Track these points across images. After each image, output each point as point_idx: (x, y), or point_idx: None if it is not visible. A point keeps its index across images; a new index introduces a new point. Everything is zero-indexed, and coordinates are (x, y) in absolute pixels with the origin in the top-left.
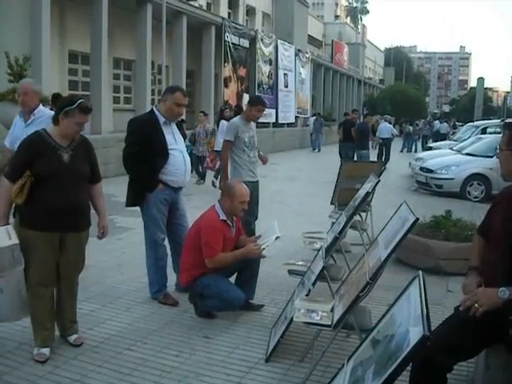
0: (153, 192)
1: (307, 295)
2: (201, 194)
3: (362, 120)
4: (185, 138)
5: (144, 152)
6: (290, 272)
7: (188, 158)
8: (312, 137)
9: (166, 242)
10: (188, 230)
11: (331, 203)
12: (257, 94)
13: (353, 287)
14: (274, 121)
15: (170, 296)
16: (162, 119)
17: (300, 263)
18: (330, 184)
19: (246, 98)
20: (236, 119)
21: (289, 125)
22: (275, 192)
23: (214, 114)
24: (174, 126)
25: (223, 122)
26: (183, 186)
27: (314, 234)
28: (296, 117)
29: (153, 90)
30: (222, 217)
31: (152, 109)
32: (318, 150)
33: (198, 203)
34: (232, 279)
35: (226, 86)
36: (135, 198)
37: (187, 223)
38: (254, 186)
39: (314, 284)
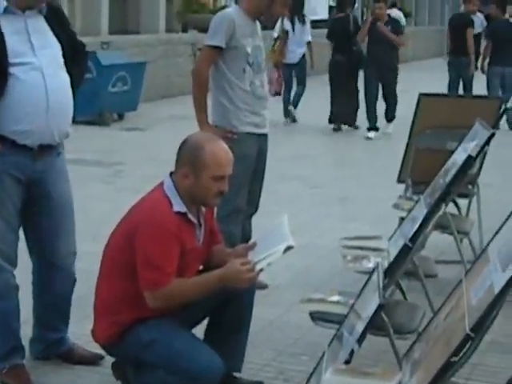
0: None
1: (348, 362)
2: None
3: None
4: (68, 40)
5: None
6: (315, 317)
7: (63, 82)
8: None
9: (23, 263)
10: (111, 234)
11: (399, 180)
12: None
13: (438, 346)
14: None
15: (23, 371)
16: (1, 3)
17: (334, 299)
18: (398, 143)
19: None
20: (231, 11)
21: (317, 24)
22: (290, 158)
23: None
24: (36, 17)
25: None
26: (54, 144)
27: (364, 240)
28: (331, 8)
29: None
30: (178, 207)
31: None
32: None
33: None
34: (199, 332)
35: None
36: None
37: (70, 226)
38: (259, 145)
39: (360, 340)
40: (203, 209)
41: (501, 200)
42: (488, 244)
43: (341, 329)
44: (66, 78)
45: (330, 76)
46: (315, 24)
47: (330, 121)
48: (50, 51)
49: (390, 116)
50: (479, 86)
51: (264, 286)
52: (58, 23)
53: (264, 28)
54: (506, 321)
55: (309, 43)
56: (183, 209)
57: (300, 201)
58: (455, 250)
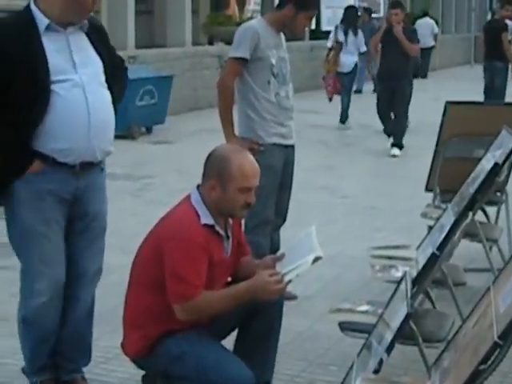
0: (22, 177)
1: (377, 372)
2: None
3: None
4: (111, 58)
5: (2, 92)
6: (344, 327)
7: (105, 99)
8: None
9: None
10: (139, 247)
11: (427, 189)
12: None
13: (466, 354)
14: (311, 27)
15: None
16: (43, 21)
17: (363, 309)
18: (427, 152)
19: None
20: (255, 22)
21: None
22: (317, 168)
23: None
24: (78, 34)
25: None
26: (95, 162)
27: (392, 250)
28: (358, 17)
29: None
30: (206, 219)
31: (28, 4)
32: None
33: None
34: (229, 344)
35: None
36: None
37: (101, 245)
38: (286, 156)
39: (389, 349)
40: (231, 221)
41: None
42: None
43: (370, 338)
44: (108, 96)
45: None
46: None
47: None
48: (91, 69)
49: (395, 139)
50: None
51: (293, 297)
52: (99, 40)
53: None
54: None
55: (363, 53)
56: (211, 221)
57: (328, 211)
58: (485, 258)
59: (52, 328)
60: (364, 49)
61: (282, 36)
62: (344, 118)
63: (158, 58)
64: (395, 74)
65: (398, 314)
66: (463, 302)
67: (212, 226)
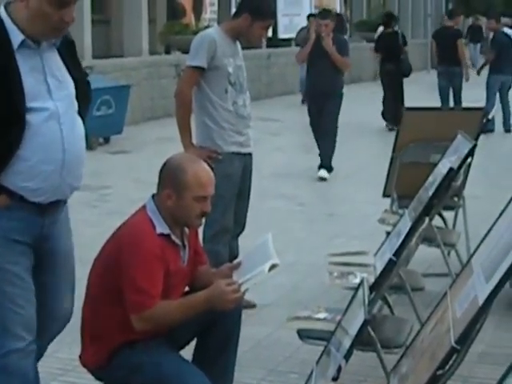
0: None
1: (336, 379)
2: None
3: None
4: (79, 78)
5: None
6: (302, 335)
7: (79, 131)
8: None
9: None
10: (96, 258)
11: (384, 194)
12: None
13: (424, 359)
14: (269, 35)
15: None
16: (17, 36)
17: (321, 316)
18: (384, 157)
19: None
20: (212, 31)
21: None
22: (275, 176)
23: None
24: (51, 51)
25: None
26: (62, 200)
27: (350, 256)
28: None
29: None
30: (161, 229)
31: None
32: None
33: None
34: (187, 354)
35: None
36: None
37: (72, 279)
38: (244, 164)
39: (348, 356)
40: (187, 230)
41: (488, 211)
42: (471, 256)
43: (328, 345)
44: (81, 126)
45: (383, 82)
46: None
47: (384, 119)
48: (65, 92)
49: (323, 161)
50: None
51: (252, 306)
52: (70, 55)
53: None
54: (497, 331)
55: None
56: (166, 230)
57: (286, 218)
58: (443, 263)
59: (35, 377)
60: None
61: (239, 44)
62: None
63: (115, 67)
64: (323, 91)
65: (355, 321)
66: (422, 307)
67: (168, 236)
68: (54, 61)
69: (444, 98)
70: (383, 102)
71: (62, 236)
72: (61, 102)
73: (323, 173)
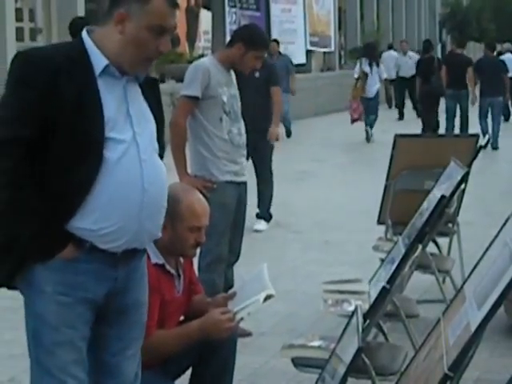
0: (48, 263)
1: None
2: None
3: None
4: (159, 120)
5: (42, 146)
6: (297, 363)
7: (161, 171)
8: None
9: None
10: None
11: (378, 222)
12: (228, 9)
13: None
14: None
15: None
16: (101, 61)
17: (316, 344)
18: (379, 185)
19: (204, 18)
20: (206, 60)
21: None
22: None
23: None
24: (134, 85)
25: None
26: (139, 249)
27: (344, 284)
28: (308, 52)
29: (18, 10)
30: (156, 259)
31: (80, 35)
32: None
33: None
34: (183, 383)
35: None
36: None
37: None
38: (239, 193)
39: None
40: (182, 259)
41: (483, 237)
42: (464, 282)
43: (323, 373)
44: (163, 167)
45: (422, 102)
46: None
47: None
48: (146, 129)
49: (261, 209)
50: None
51: (248, 334)
52: (153, 96)
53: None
54: (492, 358)
55: (384, 80)
56: (161, 260)
57: (281, 246)
58: (438, 289)
59: None
60: (385, 76)
61: (233, 74)
62: (369, 136)
63: None
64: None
65: (349, 348)
66: (417, 334)
67: (162, 266)
68: (137, 95)
69: (450, 117)
70: (422, 118)
71: (137, 289)
72: (143, 137)
73: (260, 225)
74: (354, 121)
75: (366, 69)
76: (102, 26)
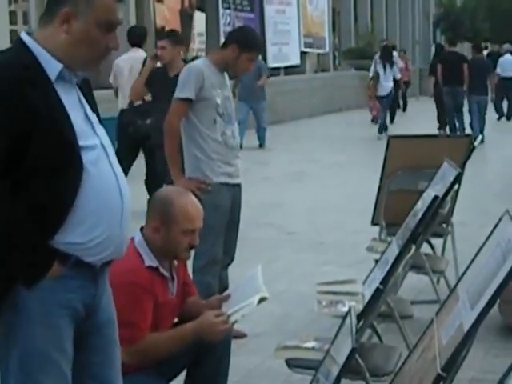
0: (36, 285)
1: None
2: None
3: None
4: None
5: (16, 161)
6: (292, 364)
7: (122, 171)
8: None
9: None
10: None
11: (373, 223)
12: (222, 11)
13: None
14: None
15: None
16: (54, 65)
17: (310, 345)
18: (374, 185)
19: (199, 20)
20: (200, 62)
21: (288, 70)
22: (264, 205)
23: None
24: (76, 87)
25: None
26: (117, 259)
27: (338, 285)
28: (303, 53)
29: (12, 13)
30: (149, 262)
31: (21, 39)
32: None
33: None
34: None
35: None
36: None
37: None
38: (233, 195)
39: None
40: (175, 261)
41: (477, 237)
42: (457, 282)
43: (317, 374)
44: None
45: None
46: (287, 70)
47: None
48: (104, 132)
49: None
50: None
51: (242, 335)
52: (89, 94)
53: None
54: (487, 358)
55: (398, 80)
56: (155, 263)
57: (275, 248)
58: (432, 290)
59: None
60: (399, 76)
61: (226, 76)
62: (382, 130)
63: (104, 99)
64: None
65: (343, 349)
66: (411, 335)
67: (156, 268)
68: (82, 97)
69: (451, 114)
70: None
71: (110, 304)
72: (105, 140)
73: None
74: (374, 118)
75: (379, 69)
76: (42, 27)
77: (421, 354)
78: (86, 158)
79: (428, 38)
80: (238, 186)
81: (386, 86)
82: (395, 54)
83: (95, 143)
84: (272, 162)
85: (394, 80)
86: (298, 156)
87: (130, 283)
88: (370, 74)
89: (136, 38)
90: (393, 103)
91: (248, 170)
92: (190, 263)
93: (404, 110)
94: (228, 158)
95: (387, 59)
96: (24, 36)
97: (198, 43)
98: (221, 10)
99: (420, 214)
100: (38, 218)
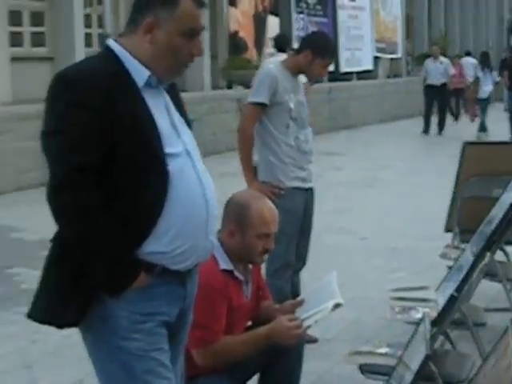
0: (120, 295)
1: None
2: None
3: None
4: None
5: (105, 172)
6: (364, 369)
7: (211, 179)
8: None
9: None
10: None
11: (446, 229)
12: (296, 15)
13: None
14: (330, 69)
15: None
16: (142, 72)
17: (383, 351)
18: (445, 192)
19: (272, 24)
20: (273, 67)
21: (361, 75)
22: (335, 211)
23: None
24: (165, 93)
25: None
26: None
27: (411, 291)
28: (376, 58)
29: (87, 17)
30: (224, 265)
31: (108, 46)
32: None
33: None
34: None
35: (233, 3)
36: (66, 305)
37: None
38: (306, 199)
39: None
40: (250, 265)
41: None
42: None
43: (390, 380)
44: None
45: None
46: (360, 75)
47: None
48: (189, 136)
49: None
50: None
51: (314, 340)
52: (178, 99)
53: None
54: None
55: (496, 83)
56: (229, 266)
57: (348, 253)
58: (505, 298)
59: None
60: (497, 79)
61: (300, 80)
62: (483, 129)
63: None
64: None
65: (417, 356)
66: (485, 342)
67: (231, 272)
68: (170, 103)
69: None
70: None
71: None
72: (190, 146)
73: None
74: (473, 118)
75: (479, 74)
76: (127, 35)
77: (495, 362)
78: (171, 166)
79: (501, 43)
80: (311, 190)
81: (486, 89)
82: (446, 60)
83: (180, 150)
84: (344, 168)
85: (443, 84)
86: (368, 162)
87: (205, 285)
88: (471, 79)
89: (282, 44)
90: (442, 112)
91: (322, 175)
92: (263, 267)
93: (456, 118)
94: (301, 163)
95: (486, 64)
96: (112, 43)
97: (270, 47)
98: (294, 15)
99: (496, 222)
100: (125, 229)
